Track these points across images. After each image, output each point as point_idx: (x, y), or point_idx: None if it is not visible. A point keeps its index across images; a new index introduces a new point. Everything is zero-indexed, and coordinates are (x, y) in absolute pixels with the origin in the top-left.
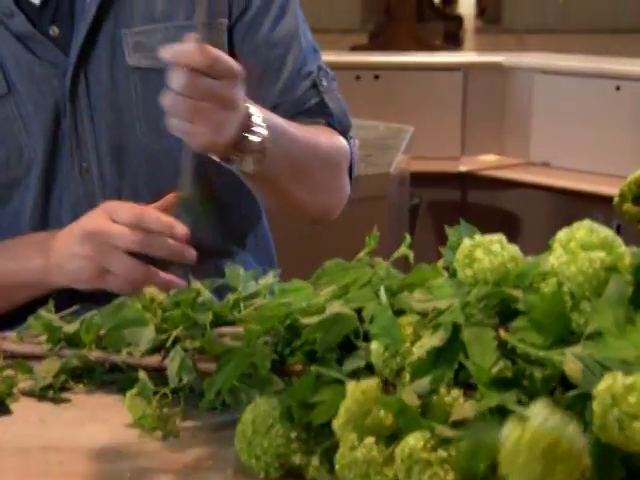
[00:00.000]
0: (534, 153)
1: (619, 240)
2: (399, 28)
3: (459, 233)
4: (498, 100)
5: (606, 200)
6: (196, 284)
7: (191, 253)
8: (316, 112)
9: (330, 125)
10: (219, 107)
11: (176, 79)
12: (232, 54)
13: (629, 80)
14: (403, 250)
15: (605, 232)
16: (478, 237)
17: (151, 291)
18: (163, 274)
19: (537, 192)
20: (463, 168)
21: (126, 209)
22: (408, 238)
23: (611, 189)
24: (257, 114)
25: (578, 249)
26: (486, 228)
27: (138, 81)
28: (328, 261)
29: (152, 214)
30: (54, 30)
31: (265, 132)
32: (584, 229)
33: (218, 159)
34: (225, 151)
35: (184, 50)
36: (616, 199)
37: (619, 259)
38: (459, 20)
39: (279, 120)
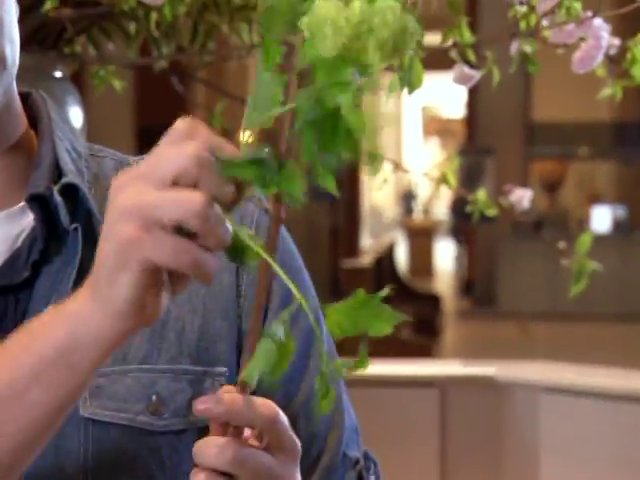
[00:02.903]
0: None
1: None
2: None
3: None
4: (490, 429)
5: None
6: None
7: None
8: None
9: None
10: None
11: (207, 448)
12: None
13: None
14: None
15: None
16: None
17: None
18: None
19: None
20: None
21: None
22: None
23: None
24: None
25: None
26: None
27: (91, 436)
28: None
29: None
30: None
31: None
32: None
33: None
34: None
35: (213, 399)
36: None
37: None
38: (435, 301)
39: None
